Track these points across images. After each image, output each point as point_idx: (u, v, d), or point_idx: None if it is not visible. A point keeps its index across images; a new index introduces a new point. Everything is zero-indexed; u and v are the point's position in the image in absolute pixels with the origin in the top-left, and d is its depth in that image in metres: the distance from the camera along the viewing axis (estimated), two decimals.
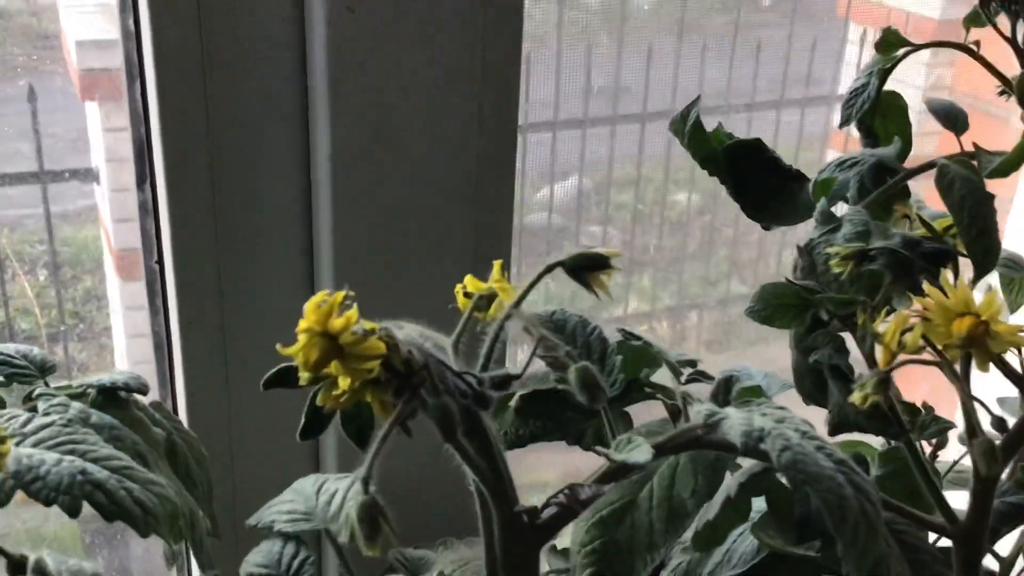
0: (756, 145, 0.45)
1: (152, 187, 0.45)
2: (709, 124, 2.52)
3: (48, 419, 0.44)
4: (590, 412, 0.37)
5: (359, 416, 0.31)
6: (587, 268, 0.33)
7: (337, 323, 0.28)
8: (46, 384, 0.55)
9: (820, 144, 2.87)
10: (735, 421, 0.35)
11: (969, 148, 0.51)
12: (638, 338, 0.38)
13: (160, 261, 0.49)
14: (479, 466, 0.28)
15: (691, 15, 2.88)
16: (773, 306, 0.38)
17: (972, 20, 0.40)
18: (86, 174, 2.32)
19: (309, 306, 0.28)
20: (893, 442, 0.46)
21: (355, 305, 0.29)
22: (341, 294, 0.28)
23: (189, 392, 0.49)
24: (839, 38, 2.82)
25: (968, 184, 0.39)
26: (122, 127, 2.21)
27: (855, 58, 2.76)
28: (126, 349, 2.31)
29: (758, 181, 0.45)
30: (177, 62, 0.41)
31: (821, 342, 0.38)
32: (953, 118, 0.39)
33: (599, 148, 3.68)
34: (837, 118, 2.98)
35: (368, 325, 0.29)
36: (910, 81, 2.68)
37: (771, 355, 3.30)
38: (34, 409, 0.45)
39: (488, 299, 0.33)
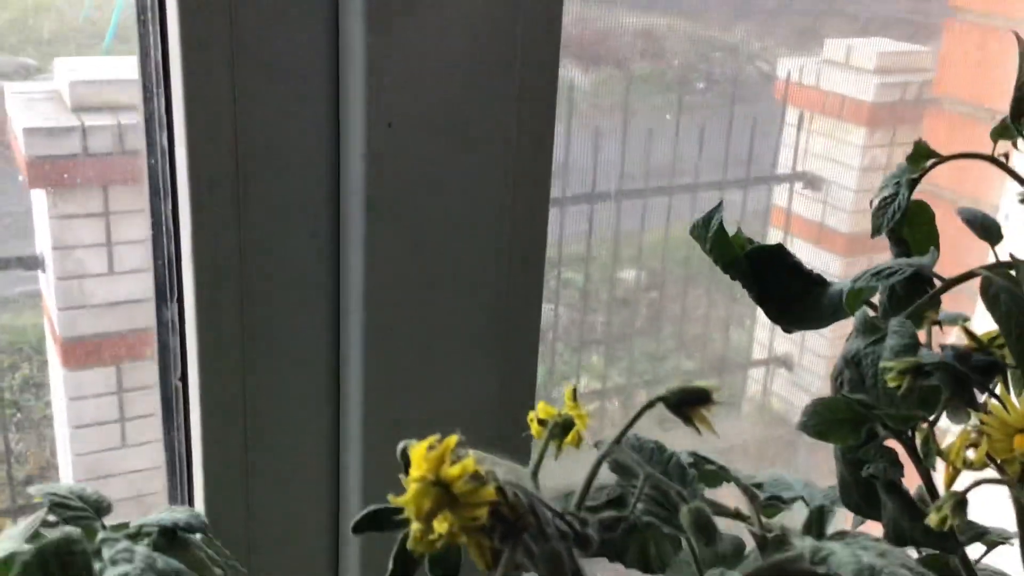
0: (778, 250, 0.46)
1: (179, 304, 0.44)
2: (654, 206, 2.58)
3: (120, 570, 0.41)
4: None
5: (446, 558, 0.29)
6: (689, 403, 0.33)
7: (452, 471, 0.28)
8: (103, 526, 0.52)
9: (762, 222, 2.94)
10: (843, 558, 0.35)
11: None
12: (711, 462, 0.38)
13: (184, 378, 0.48)
14: None
15: (633, 97, 2.94)
16: (828, 421, 0.38)
17: (1000, 133, 0.41)
18: (31, 261, 2.27)
19: (418, 454, 0.28)
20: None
21: (469, 454, 0.28)
22: (453, 439, 0.28)
23: (209, 510, 0.47)
24: (777, 121, 2.91)
25: (1013, 298, 0.40)
26: (69, 214, 2.17)
27: (792, 140, 2.86)
28: (69, 440, 2.24)
29: (781, 286, 0.46)
30: (211, 179, 0.41)
31: (874, 456, 0.38)
32: (987, 228, 0.40)
33: (548, 227, 3.72)
34: (777, 197, 3.06)
35: (473, 467, 0.28)
36: (847, 162, 2.78)
37: (723, 431, 3.32)
38: (97, 553, 0.43)
39: (563, 427, 0.33)
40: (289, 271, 0.45)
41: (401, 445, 0.29)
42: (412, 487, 0.27)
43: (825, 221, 2.85)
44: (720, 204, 0.48)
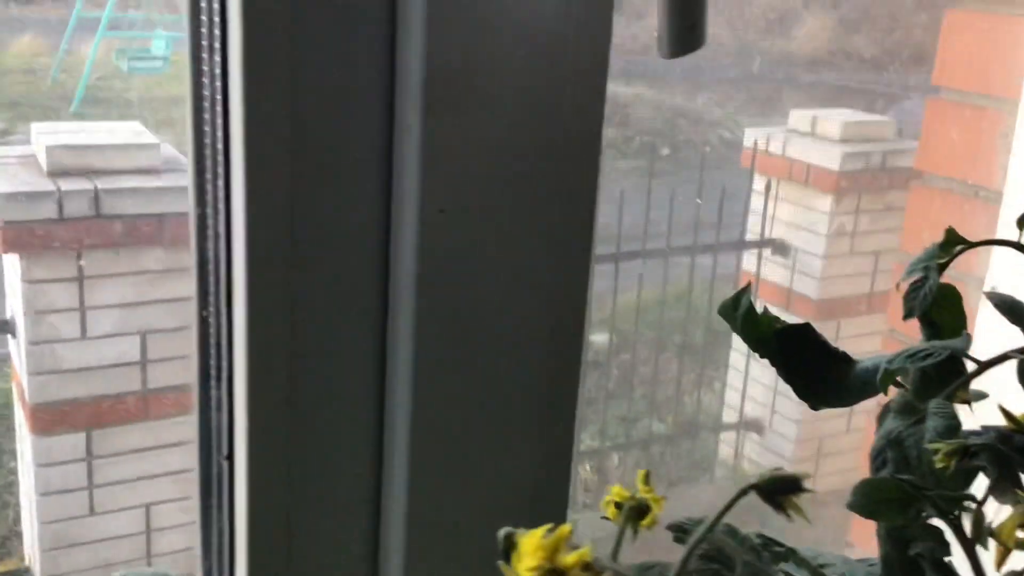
0: (805, 329, 0.48)
1: (230, 383, 0.44)
2: (626, 269, 2.58)
3: None
4: None
5: None
6: (782, 492, 0.33)
7: (568, 560, 0.28)
8: None
9: (731, 287, 2.98)
10: None
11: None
12: (780, 544, 0.39)
13: (231, 456, 0.48)
14: None
15: (605, 160, 2.99)
16: (877, 501, 0.39)
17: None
18: (2, 326, 2.24)
19: (533, 542, 0.28)
20: None
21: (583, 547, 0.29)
22: (567, 528, 0.28)
23: None
24: (745, 188, 2.97)
25: None
26: (42, 279, 2.14)
27: (760, 206, 2.92)
28: (36, 506, 2.19)
29: (807, 364, 0.47)
30: (266, 256, 0.42)
31: (920, 535, 0.39)
32: (1017, 312, 0.41)
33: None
34: (747, 262, 3.08)
35: (589, 556, 0.28)
36: (815, 229, 2.83)
37: (694, 494, 3.32)
38: None
39: (639, 510, 0.33)
40: (339, 348, 0.46)
41: (503, 532, 0.29)
42: (526, 574, 0.27)
43: (794, 287, 2.89)
44: (749, 285, 0.49)
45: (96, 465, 2.25)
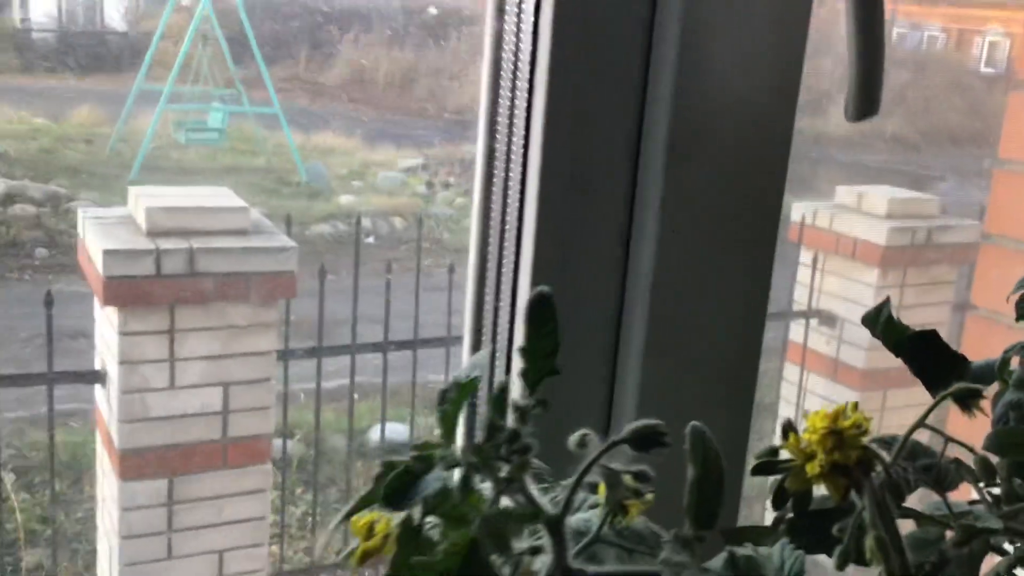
0: (931, 335, 0.60)
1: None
2: None
3: None
4: None
5: (805, 495, 0.39)
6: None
7: (846, 423, 0.39)
8: None
9: (779, 357, 3.08)
10: None
11: None
12: None
13: None
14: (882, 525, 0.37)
15: None
16: (1007, 444, 0.49)
17: None
18: (92, 376, 2.36)
19: (820, 414, 0.40)
20: None
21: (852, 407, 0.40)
22: (843, 406, 0.40)
23: None
24: (792, 260, 3.08)
25: None
26: (137, 331, 2.27)
27: (807, 279, 3.02)
28: (118, 549, 2.29)
29: (933, 362, 0.59)
30: (546, 261, 0.52)
31: None
32: None
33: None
34: (793, 332, 3.16)
35: (861, 419, 0.40)
36: (861, 301, 2.93)
37: None
38: None
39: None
40: (581, 335, 0.55)
41: (783, 420, 0.40)
42: (813, 437, 0.38)
43: (840, 357, 2.97)
44: (888, 299, 0.61)
45: (175, 510, 2.35)
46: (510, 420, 0.37)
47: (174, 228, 2.27)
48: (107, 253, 2.17)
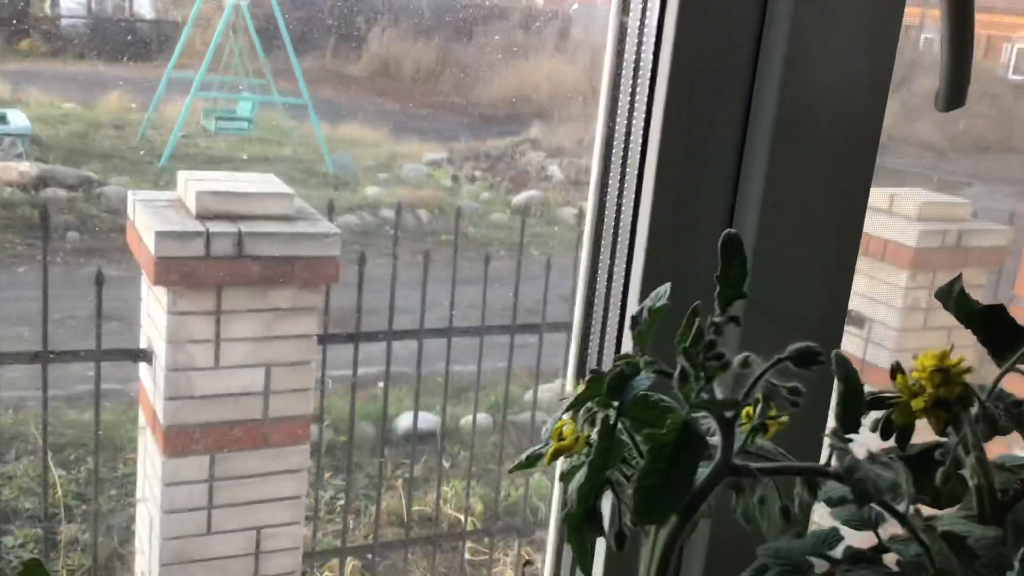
0: (999, 309, 0.65)
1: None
2: None
3: None
4: None
5: (907, 428, 0.46)
6: None
7: (952, 360, 0.45)
8: None
9: None
10: None
11: None
12: None
13: None
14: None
15: None
16: None
17: None
18: (138, 354, 2.42)
19: (931, 353, 0.45)
20: None
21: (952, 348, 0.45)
22: (949, 348, 0.45)
23: None
24: None
25: None
26: (185, 311, 2.32)
27: None
28: (159, 523, 2.34)
29: (999, 332, 0.64)
30: (658, 231, 0.57)
31: None
32: None
33: None
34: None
35: (963, 360, 0.45)
36: (890, 303, 2.97)
37: None
38: None
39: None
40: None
41: (894, 361, 0.46)
42: (926, 372, 0.44)
43: (867, 357, 3.01)
44: (960, 275, 0.66)
45: (216, 487, 2.40)
46: (707, 333, 0.43)
47: (223, 212, 2.32)
48: (159, 234, 2.22)
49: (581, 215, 5.72)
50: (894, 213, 3.00)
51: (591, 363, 0.70)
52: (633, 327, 0.44)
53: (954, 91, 0.60)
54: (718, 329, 0.44)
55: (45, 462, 2.57)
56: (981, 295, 2.97)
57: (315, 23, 7.22)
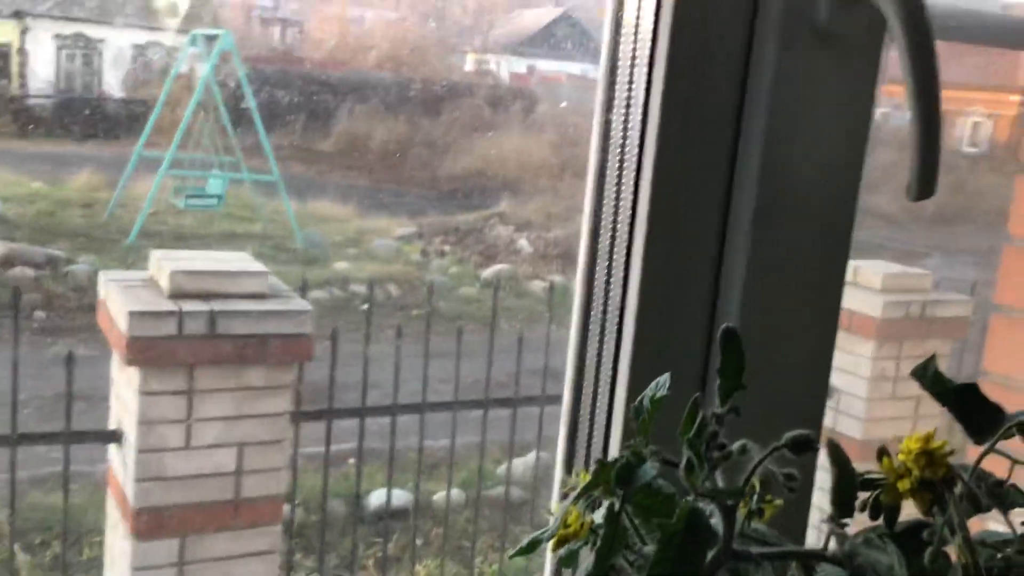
0: (971, 387, 0.68)
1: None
2: None
3: None
4: None
5: (893, 508, 0.47)
6: None
7: (936, 444, 0.47)
8: None
9: None
10: None
11: None
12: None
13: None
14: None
15: None
16: None
17: None
18: (109, 436, 2.40)
19: (915, 437, 0.47)
20: None
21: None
22: (933, 431, 0.47)
23: None
24: None
25: None
26: (157, 391, 2.31)
27: None
28: None
29: (975, 411, 0.67)
30: (647, 304, 0.60)
31: None
32: None
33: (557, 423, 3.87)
34: None
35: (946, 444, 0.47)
36: (858, 372, 3.01)
37: None
38: None
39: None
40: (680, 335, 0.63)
41: (879, 448, 0.48)
42: (911, 454, 0.46)
43: (837, 427, 3.03)
44: (934, 356, 0.69)
45: (187, 571, 2.36)
46: (710, 424, 0.45)
47: (196, 291, 2.32)
48: (132, 314, 2.22)
49: (551, 288, 5.76)
50: (858, 284, 3.05)
51: (580, 444, 0.72)
52: (636, 416, 0.46)
53: (925, 181, 0.63)
54: (720, 420, 0.46)
55: (11, 547, 2.51)
56: (945, 366, 3.02)
57: (285, 100, 7.30)
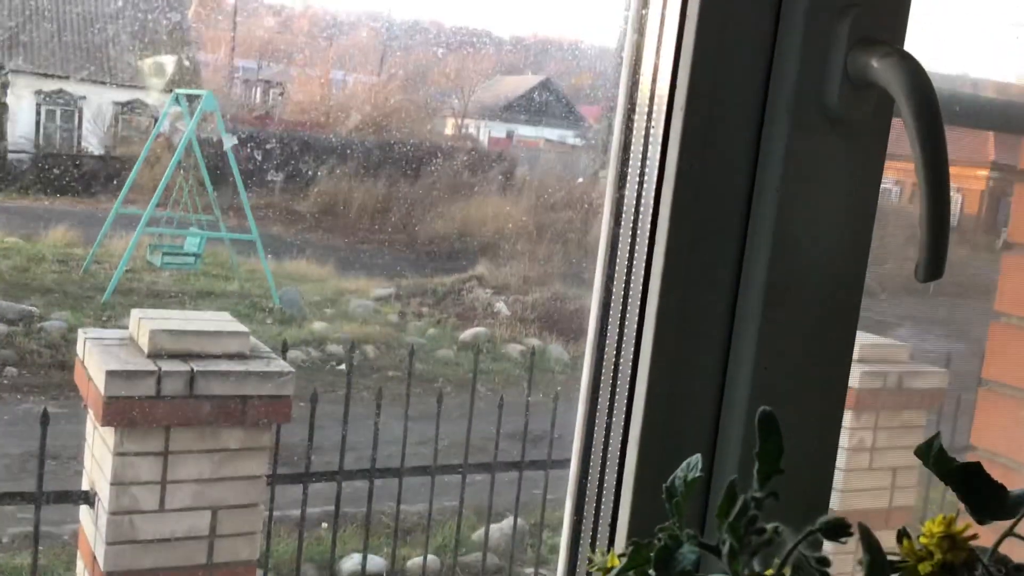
0: (975, 466, 0.68)
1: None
2: None
3: None
4: None
5: None
6: None
7: (958, 528, 0.47)
8: None
9: None
10: None
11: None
12: None
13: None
14: None
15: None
16: None
17: None
18: (81, 496, 2.35)
19: (937, 520, 0.47)
20: None
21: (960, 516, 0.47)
22: (953, 516, 0.47)
23: None
24: None
25: None
26: (132, 452, 2.27)
27: None
28: None
29: (978, 490, 0.67)
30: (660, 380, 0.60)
31: None
32: None
33: (534, 489, 3.84)
34: None
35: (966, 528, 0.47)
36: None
37: None
38: None
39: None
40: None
41: (900, 530, 0.47)
42: (934, 538, 0.45)
43: None
44: (938, 434, 0.69)
45: None
46: (750, 508, 0.45)
47: (176, 350, 2.30)
48: (110, 373, 2.19)
49: (529, 352, 5.75)
50: None
51: (588, 518, 0.71)
52: (669, 498, 0.46)
53: (935, 263, 0.64)
54: (759, 504, 0.46)
55: None
56: (920, 436, 3.03)
57: (265, 161, 7.33)
